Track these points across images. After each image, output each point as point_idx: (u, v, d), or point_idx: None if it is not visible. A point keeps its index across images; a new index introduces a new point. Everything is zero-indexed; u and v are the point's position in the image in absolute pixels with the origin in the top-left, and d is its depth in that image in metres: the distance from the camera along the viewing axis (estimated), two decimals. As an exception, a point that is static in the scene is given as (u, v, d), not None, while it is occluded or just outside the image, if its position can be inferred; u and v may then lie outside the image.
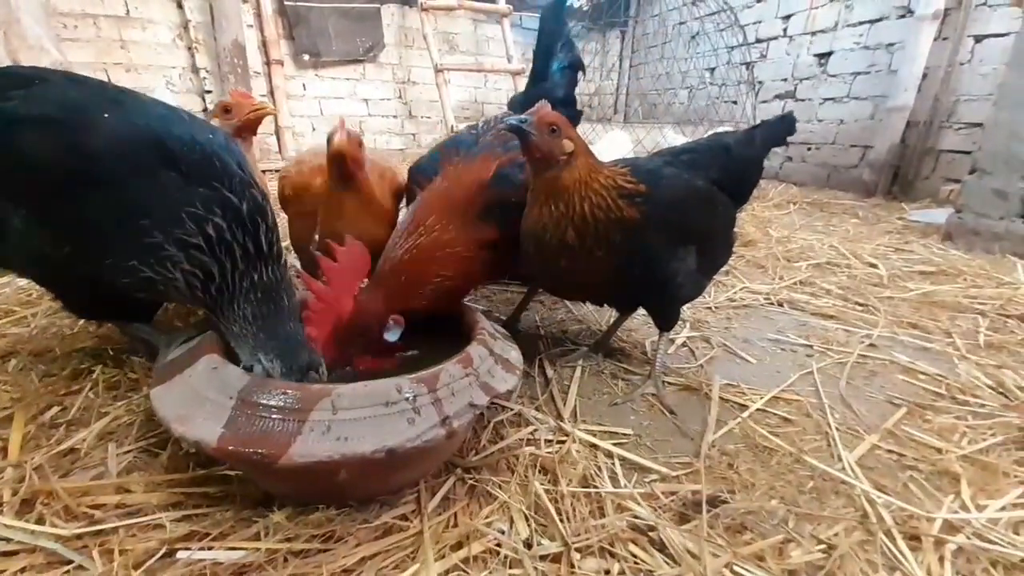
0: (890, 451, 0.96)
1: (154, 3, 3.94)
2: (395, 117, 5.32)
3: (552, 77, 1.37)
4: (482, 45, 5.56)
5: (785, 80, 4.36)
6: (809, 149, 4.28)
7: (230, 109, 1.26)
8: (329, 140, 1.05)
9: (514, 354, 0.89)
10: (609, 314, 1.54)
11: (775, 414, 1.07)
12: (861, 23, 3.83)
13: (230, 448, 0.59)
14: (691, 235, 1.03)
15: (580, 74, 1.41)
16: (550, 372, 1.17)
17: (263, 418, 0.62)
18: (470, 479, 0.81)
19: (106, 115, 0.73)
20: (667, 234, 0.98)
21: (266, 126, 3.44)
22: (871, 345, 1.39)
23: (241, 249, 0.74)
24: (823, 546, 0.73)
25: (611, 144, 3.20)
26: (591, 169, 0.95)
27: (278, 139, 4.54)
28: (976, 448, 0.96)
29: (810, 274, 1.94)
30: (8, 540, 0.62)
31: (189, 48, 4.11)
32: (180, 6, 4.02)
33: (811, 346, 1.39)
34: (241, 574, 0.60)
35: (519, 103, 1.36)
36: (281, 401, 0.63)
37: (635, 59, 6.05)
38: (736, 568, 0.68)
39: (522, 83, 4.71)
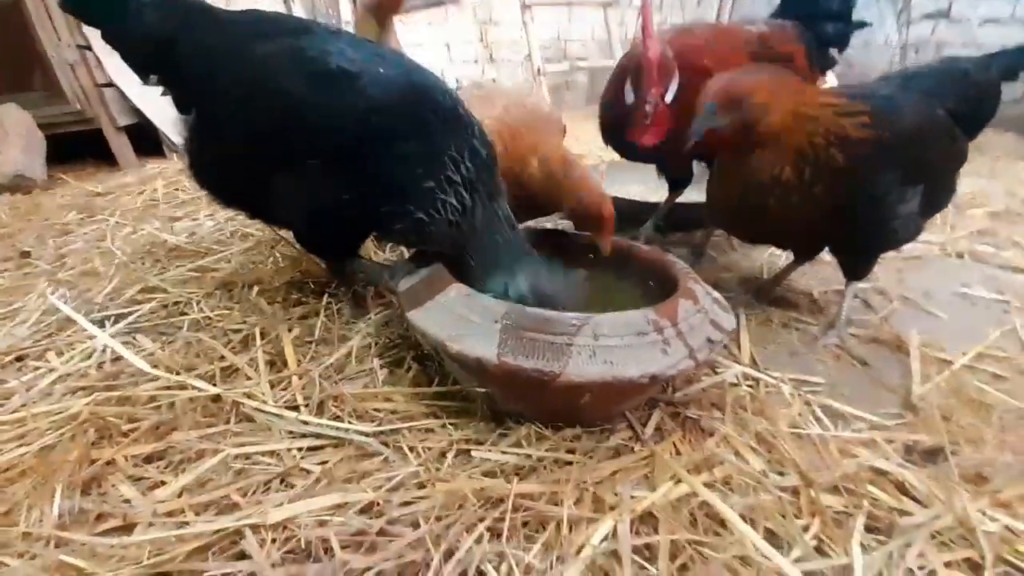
0: None
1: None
2: (475, 62, 5.17)
3: None
4: (568, -24, 5.15)
5: (939, -5, 3.65)
6: (961, 80, 3.63)
7: None
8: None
9: (718, 294, 0.88)
10: (761, 260, 1.47)
11: (983, 371, 0.99)
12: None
13: (511, 365, 0.65)
14: (925, 172, 0.93)
15: None
16: (716, 318, 1.15)
17: (532, 341, 0.66)
18: (680, 412, 0.84)
19: (381, 70, 0.78)
20: (902, 170, 0.89)
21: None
22: (1084, 303, 1.22)
23: (486, 188, 0.78)
24: (1080, 502, 0.68)
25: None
26: (797, 102, 0.88)
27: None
28: None
29: (989, 224, 1.71)
30: (318, 436, 0.73)
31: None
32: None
33: (1007, 301, 1.25)
34: (516, 473, 0.68)
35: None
36: (546, 326, 0.67)
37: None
38: (988, 514, 0.67)
39: (614, 16, 4.36)
